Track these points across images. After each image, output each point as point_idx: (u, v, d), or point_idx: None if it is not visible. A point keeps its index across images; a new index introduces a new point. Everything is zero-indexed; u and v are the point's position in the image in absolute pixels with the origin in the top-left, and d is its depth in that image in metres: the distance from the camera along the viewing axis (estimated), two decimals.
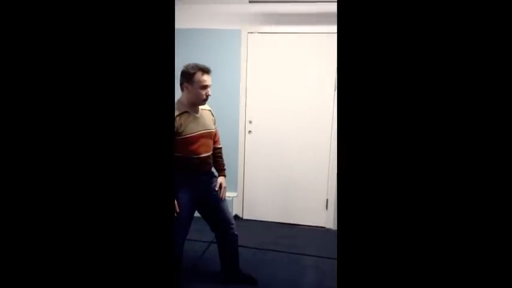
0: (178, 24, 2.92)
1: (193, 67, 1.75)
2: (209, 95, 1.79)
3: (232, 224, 1.96)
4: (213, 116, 1.96)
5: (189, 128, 1.75)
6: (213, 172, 1.97)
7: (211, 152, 1.91)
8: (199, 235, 2.52)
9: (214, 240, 2.24)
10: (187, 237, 1.91)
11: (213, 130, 1.91)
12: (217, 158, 1.99)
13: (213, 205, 1.92)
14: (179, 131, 1.73)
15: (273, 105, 2.90)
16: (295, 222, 2.97)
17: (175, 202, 1.72)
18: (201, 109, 1.86)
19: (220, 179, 1.96)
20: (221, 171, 2.00)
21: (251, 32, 2.86)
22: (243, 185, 3.02)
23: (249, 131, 2.96)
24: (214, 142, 1.96)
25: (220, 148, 2.02)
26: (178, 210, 1.72)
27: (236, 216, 3.05)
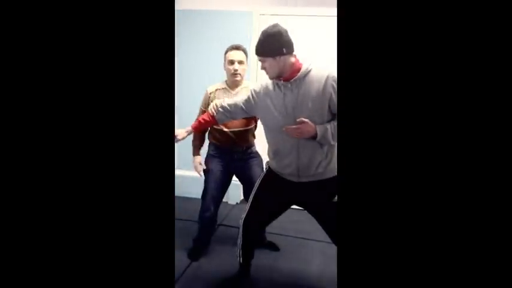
0: (185, 6, 2.89)
1: (228, 47, 1.93)
2: (236, 70, 1.90)
3: None
4: None
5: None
6: (249, 148, 2.06)
7: (247, 127, 2.00)
8: None
9: (223, 223, 2.27)
10: None
11: None
12: None
13: (245, 178, 2.06)
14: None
15: None
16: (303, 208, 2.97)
17: (203, 166, 2.00)
18: (242, 87, 1.98)
19: None
20: None
21: (263, 14, 2.80)
22: None
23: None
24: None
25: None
26: (203, 173, 2.00)
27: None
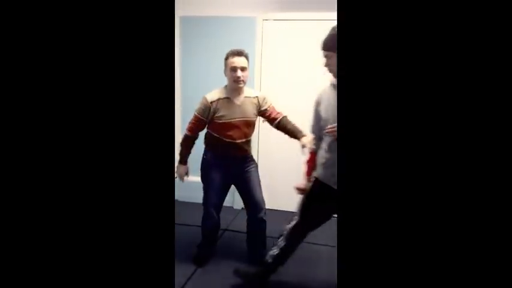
0: (189, 12, 2.91)
1: (228, 52, 1.85)
2: (239, 77, 1.81)
3: (261, 209, 2.06)
4: (259, 102, 1.96)
5: (226, 114, 1.85)
6: (248, 155, 2.05)
7: (249, 138, 1.99)
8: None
9: (229, 228, 2.27)
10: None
11: (252, 119, 1.95)
12: (287, 126, 1.98)
13: (244, 187, 2.03)
14: (216, 115, 1.84)
15: (289, 95, 2.87)
16: None
17: (182, 174, 1.98)
18: (245, 97, 1.92)
19: (303, 140, 1.83)
20: (299, 133, 1.94)
21: (266, 19, 2.81)
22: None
23: (263, 121, 2.95)
24: (273, 116, 1.98)
25: (285, 117, 2.01)
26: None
27: None
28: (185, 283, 1.94)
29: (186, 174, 2.03)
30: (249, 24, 2.83)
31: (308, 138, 1.78)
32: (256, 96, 1.97)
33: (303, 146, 1.77)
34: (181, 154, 2.00)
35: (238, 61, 1.82)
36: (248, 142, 2.00)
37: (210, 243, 2.16)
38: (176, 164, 2.02)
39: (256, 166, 2.09)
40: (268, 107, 1.99)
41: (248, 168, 2.02)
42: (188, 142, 1.96)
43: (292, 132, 1.95)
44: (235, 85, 1.86)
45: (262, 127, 2.94)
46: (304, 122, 2.82)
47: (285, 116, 2.01)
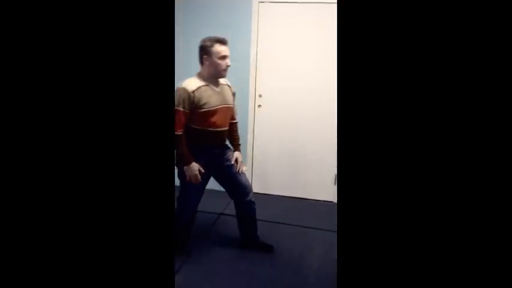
0: None
1: (210, 39, 1.81)
2: (229, 65, 1.82)
3: (249, 191, 2.04)
4: (232, 91, 1.97)
5: (209, 101, 1.80)
6: (227, 144, 2.02)
7: (227, 126, 1.96)
8: (209, 207, 2.57)
9: (225, 212, 2.28)
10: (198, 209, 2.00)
11: (232, 105, 1.95)
12: (233, 133, 2.05)
13: (228, 175, 2.00)
14: (199, 104, 1.78)
15: (284, 78, 2.84)
16: (304, 197, 2.99)
17: (198, 173, 1.84)
18: (221, 83, 1.89)
19: (236, 154, 2.02)
20: (236, 146, 2.05)
21: (262, 2, 2.76)
22: (252, 159, 3.03)
23: (259, 105, 2.93)
24: (231, 117, 2.01)
25: (236, 123, 2.07)
26: (199, 180, 1.85)
27: None
28: (180, 267, 1.96)
29: (199, 171, 1.86)
30: (245, 6, 2.78)
31: (239, 155, 2.00)
32: (229, 85, 1.96)
33: (236, 159, 1.98)
34: (185, 154, 1.82)
35: (226, 50, 1.80)
36: (226, 130, 1.97)
37: (185, 233, 2.05)
38: (185, 167, 1.84)
39: (232, 152, 2.04)
40: (234, 104, 2.00)
41: (227, 156, 1.99)
42: (182, 140, 1.81)
43: (234, 140, 2.05)
44: (222, 73, 1.82)
45: (257, 112, 2.94)
46: (299, 102, 2.84)
47: (237, 122, 2.07)
